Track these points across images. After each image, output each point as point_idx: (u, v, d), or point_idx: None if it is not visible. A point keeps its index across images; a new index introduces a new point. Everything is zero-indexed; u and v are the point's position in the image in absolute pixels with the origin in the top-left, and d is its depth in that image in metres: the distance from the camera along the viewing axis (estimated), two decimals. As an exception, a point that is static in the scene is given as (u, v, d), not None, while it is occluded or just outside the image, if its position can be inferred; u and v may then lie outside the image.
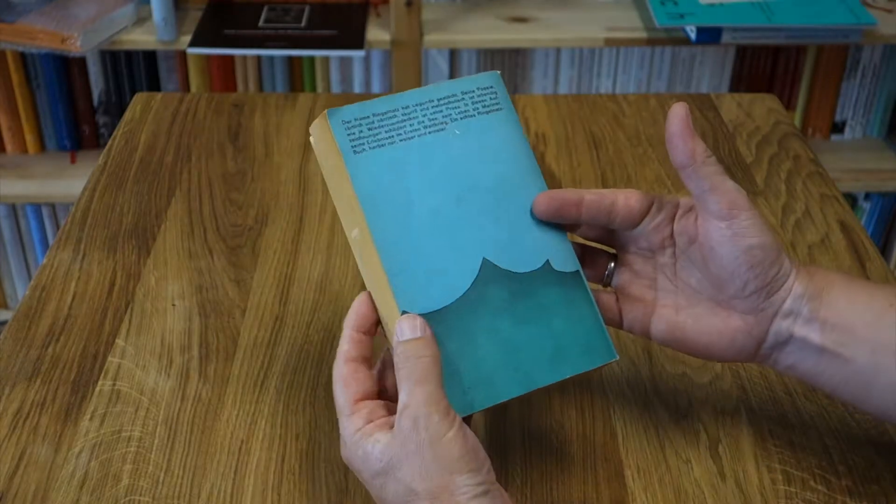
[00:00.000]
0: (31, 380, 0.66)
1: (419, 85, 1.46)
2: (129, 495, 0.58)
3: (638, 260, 0.59)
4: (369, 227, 0.54)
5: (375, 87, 1.70)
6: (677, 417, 0.64)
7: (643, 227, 0.57)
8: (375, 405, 0.52)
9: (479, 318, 0.55)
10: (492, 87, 0.59)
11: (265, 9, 1.62)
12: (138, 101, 1.00)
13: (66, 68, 1.67)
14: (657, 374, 0.67)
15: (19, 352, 0.68)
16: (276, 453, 0.61)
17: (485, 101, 0.59)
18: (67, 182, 1.66)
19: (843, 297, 0.54)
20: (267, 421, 0.63)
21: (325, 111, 0.55)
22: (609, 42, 1.56)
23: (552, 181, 0.87)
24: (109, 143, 0.93)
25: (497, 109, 0.59)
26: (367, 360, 0.54)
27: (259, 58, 1.67)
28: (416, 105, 0.57)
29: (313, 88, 1.70)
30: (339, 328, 0.71)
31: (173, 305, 0.72)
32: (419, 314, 0.53)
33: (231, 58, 1.66)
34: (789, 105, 1.75)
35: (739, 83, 1.73)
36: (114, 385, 0.65)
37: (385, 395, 0.54)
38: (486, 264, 0.56)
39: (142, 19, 1.59)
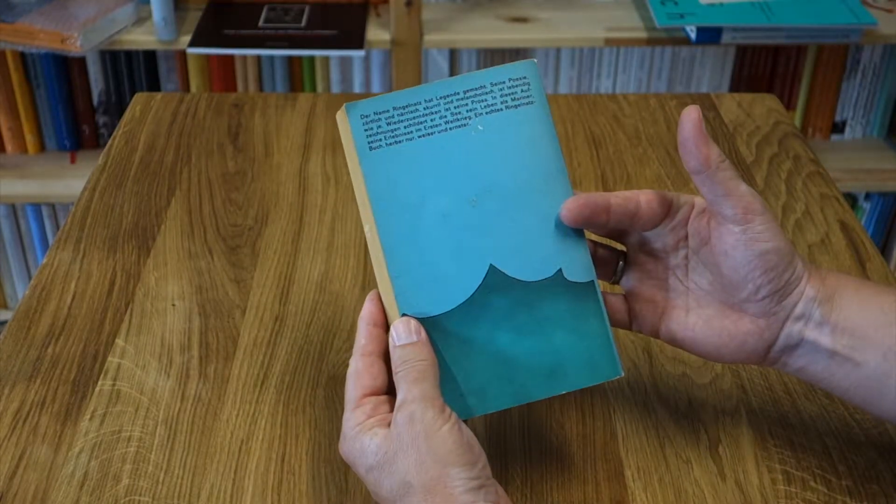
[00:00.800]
0: (31, 380, 0.66)
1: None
2: (129, 495, 0.58)
3: (650, 260, 0.58)
4: (377, 227, 0.54)
5: (375, 87, 1.70)
6: (677, 417, 0.64)
7: (661, 229, 0.57)
8: (380, 401, 0.52)
9: (478, 327, 0.54)
10: (525, 77, 0.56)
11: (265, 9, 1.62)
12: (138, 101, 1.00)
13: (66, 68, 1.67)
14: (657, 374, 0.67)
15: (19, 352, 0.68)
16: (276, 453, 0.61)
17: (515, 93, 0.56)
18: (67, 182, 1.66)
19: (854, 301, 0.54)
20: (267, 421, 0.63)
21: (345, 104, 0.54)
22: (609, 42, 1.56)
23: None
24: (109, 143, 0.93)
25: (527, 103, 0.56)
26: (384, 354, 0.54)
27: (259, 58, 1.67)
28: (441, 98, 0.55)
29: (313, 88, 1.70)
30: (339, 328, 0.71)
31: (173, 305, 0.72)
32: (417, 317, 0.53)
33: (231, 58, 1.66)
34: (789, 105, 1.75)
35: (739, 83, 1.73)
36: (114, 385, 0.65)
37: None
38: (492, 271, 0.54)
39: (142, 19, 1.59)
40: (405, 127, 0.54)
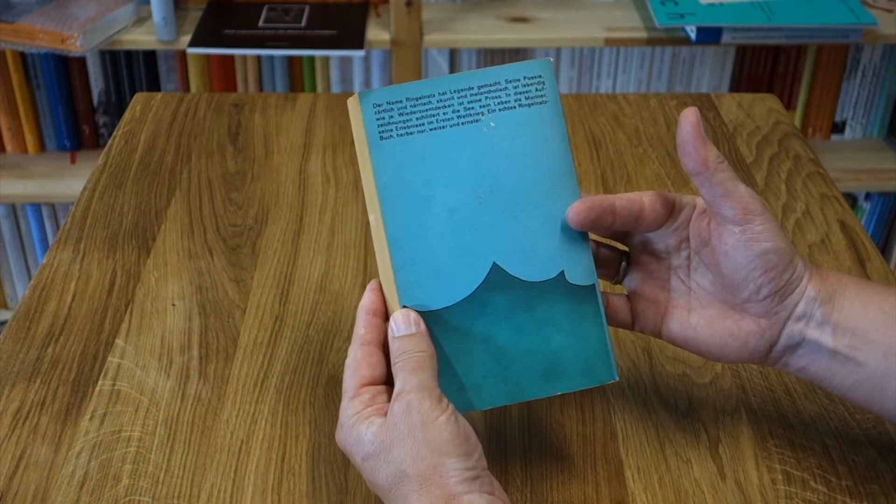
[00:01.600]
0: (31, 380, 0.66)
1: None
2: (129, 495, 0.58)
3: (652, 261, 0.59)
4: (383, 217, 0.54)
5: (375, 86, 1.70)
6: (677, 417, 0.64)
7: (663, 230, 0.57)
8: (378, 390, 0.53)
9: (477, 324, 0.54)
10: (540, 76, 0.55)
11: (265, 9, 1.62)
12: (138, 101, 1.00)
13: (66, 68, 1.67)
14: (657, 374, 0.67)
15: (19, 352, 0.68)
16: (276, 453, 0.61)
17: (529, 91, 0.55)
18: (67, 182, 1.66)
19: (855, 301, 0.54)
20: (267, 421, 0.63)
21: (358, 92, 0.53)
22: (609, 42, 1.56)
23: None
24: (109, 143, 0.93)
25: (541, 103, 0.55)
26: (383, 344, 0.54)
27: (259, 58, 1.67)
28: (454, 91, 0.54)
29: (313, 88, 1.70)
30: (339, 328, 0.71)
31: (173, 305, 0.72)
32: (417, 311, 0.53)
33: (231, 58, 1.66)
34: (789, 105, 1.75)
35: (739, 83, 1.73)
36: (114, 385, 0.65)
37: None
38: (495, 269, 0.54)
39: (142, 19, 1.59)
40: (417, 118, 0.54)
